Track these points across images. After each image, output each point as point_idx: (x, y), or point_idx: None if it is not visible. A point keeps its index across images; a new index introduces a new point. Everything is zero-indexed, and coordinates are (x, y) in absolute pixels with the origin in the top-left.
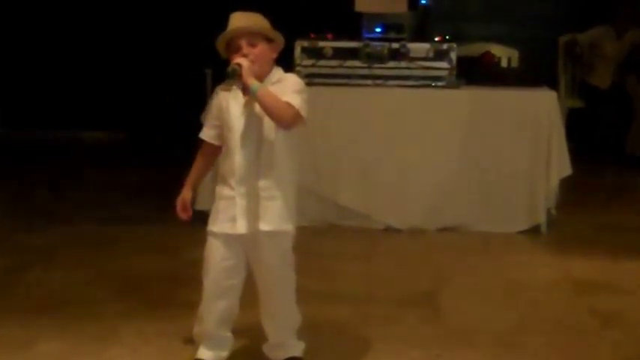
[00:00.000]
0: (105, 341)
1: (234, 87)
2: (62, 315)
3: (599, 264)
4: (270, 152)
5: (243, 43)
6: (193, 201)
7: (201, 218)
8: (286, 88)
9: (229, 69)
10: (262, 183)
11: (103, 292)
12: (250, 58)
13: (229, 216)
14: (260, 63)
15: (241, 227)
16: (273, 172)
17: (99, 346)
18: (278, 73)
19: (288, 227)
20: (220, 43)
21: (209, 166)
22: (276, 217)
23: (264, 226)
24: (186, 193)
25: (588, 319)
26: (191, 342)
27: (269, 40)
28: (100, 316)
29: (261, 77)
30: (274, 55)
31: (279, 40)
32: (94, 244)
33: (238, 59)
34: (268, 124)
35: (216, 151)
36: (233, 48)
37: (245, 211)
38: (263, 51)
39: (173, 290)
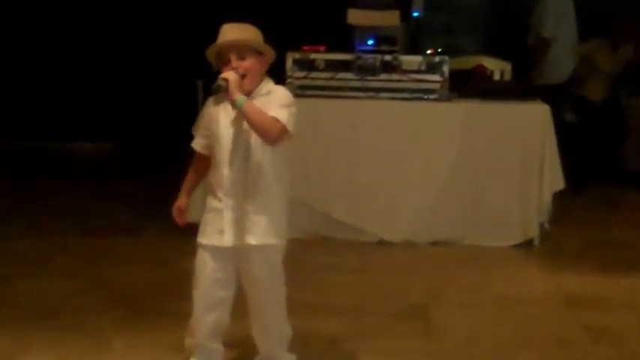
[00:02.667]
0: (95, 352)
1: (226, 98)
2: (52, 325)
3: (592, 279)
4: (259, 166)
5: (233, 56)
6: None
7: (191, 229)
8: (274, 101)
9: (215, 84)
10: (250, 196)
11: (93, 302)
12: (239, 71)
13: (217, 228)
14: (249, 76)
15: (229, 240)
16: (261, 185)
17: (89, 357)
18: (268, 85)
19: (276, 241)
20: (210, 55)
21: (203, 174)
22: (263, 231)
23: (251, 240)
24: (181, 201)
25: (580, 334)
26: (182, 353)
27: (259, 52)
28: (91, 326)
29: (250, 89)
30: (264, 68)
31: (270, 53)
32: (84, 254)
33: (225, 74)
34: (256, 138)
35: (209, 160)
36: (223, 60)
37: (233, 224)
38: (252, 64)
39: (163, 301)
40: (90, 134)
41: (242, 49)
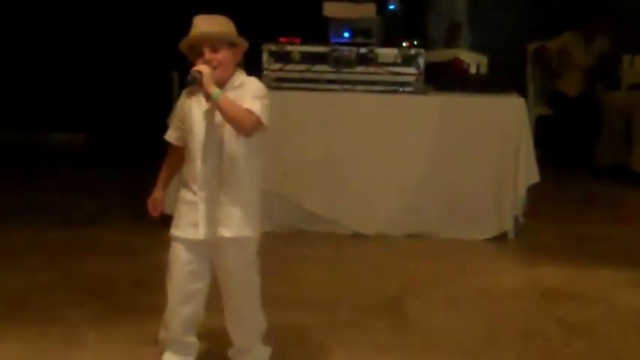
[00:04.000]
0: (69, 345)
1: (199, 90)
2: (25, 318)
3: (566, 272)
4: (233, 158)
5: (206, 49)
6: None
7: (165, 221)
8: (247, 93)
9: (189, 77)
10: (224, 189)
11: (67, 295)
12: (212, 64)
13: (191, 221)
14: (222, 68)
15: (203, 233)
16: (235, 177)
17: (63, 349)
18: (240, 77)
19: (251, 233)
20: (183, 47)
21: (178, 167)
22: (238, 224)
23: (225, 233)
24: (156, 193)
25: (554, 327)
26: (156, 346)
27: (232, 44)
28: (64, 319)
29: (223, 81)
30: (237, 60)
31: (243, 44)
32: (58, 246)
33: (199, 66)
34: (230, 130)
35: (183, 152)
36: (196, 52)
37: (207, 216)
38: (225, 56)
39: (138, 294)
40: (64, 125)
41: (215, 42)
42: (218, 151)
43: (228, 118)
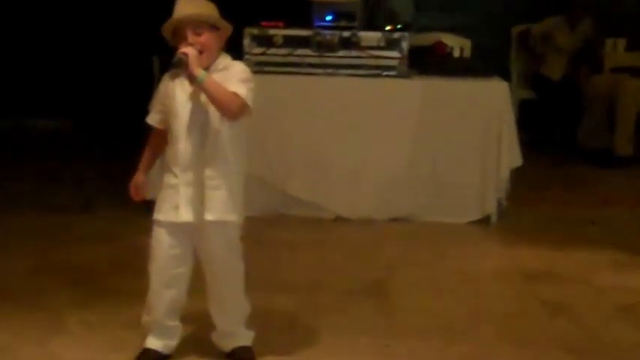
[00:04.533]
0: (50, 331)
1: (181, 73)
2: (6, 305)
3: (549, 254)
4: (216, 141)
5: (189, 32)
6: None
7: (148, 207)
8: (232, 76)
9: (175, 59)
10: (207, 172)
11: (47, 281)
12: (196, 47)
13: (173, 204)
14: (206, 52)
15: (185, 216)
16: (219, 161)
17: (44, 335)
18: (224, 60)
19: (233, 217)
20: (166, 31)
21: (160, 150)
22: (220, 207)
23: (208, 216)
24: (138, 176)
25: (537, 308)
26: (139, 330)
27: (216, 28)
28: (45, 305)
29: (207, 65)
30: (221, 43)
31: (226, 28)
32: (38, 232)
33: (184, 49)
34: (214, 113)
35: (165, 135)
36: (179, 36)
37: (189, 199)
38: (209, 40)
39: (119, 279)
40: (44, 111)
41: (199, 25)
42: (202, 134)
43: (214, 100)
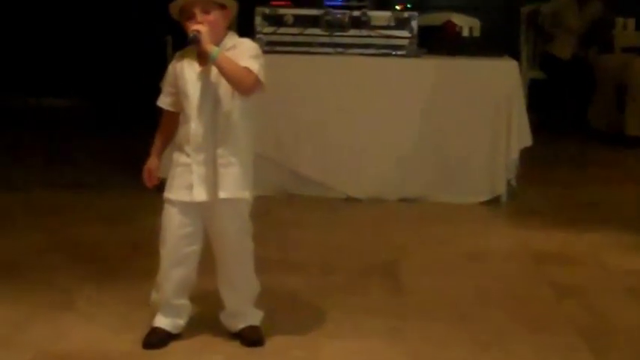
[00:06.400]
0: (60, 309)
1: (190, 53)
2: (16, 282)
3: (558, 236)
4: (227, 119)
5: (197, 10)
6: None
7: (159, 186)
8: (242, 53)
9: (191, 35)
10: (219, 150)
11: (57, 259)
12: (204, 25)
13: (186, 183)
14: (214, 30)
15: (199, 195)
16: (230, 139)
17: (54, 313)
18: (232, 38)
19: (245, 194)
20: (173, 10)
21: (172, 133)
22: (233, 185)
23: (221, 194)
24: (151, 162)
25: (546, 290)
26: (148, 309)
27: (223, 6)
28: (55, 283)
29: (215, 44)
30: (228, 22)
31: (233, 6)
32: (49, 210)
33: (197, 26)
34: (224, 91)
35: (176, 118)
36: (187, 15)
37: (202, 178)
38: (217, 18)
39: (129, 257)
40: (57, 90)
41: (206, 3)
42: (213, 112)
43: (228, 76)
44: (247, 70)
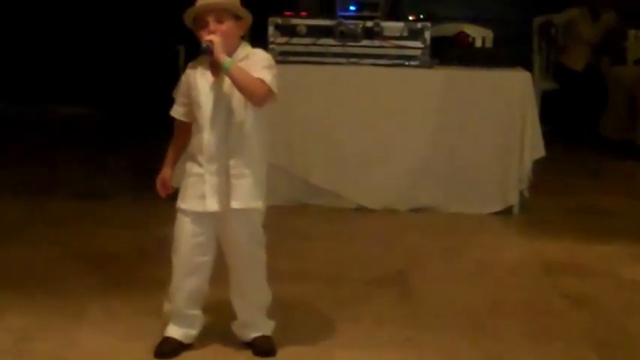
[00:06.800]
0: (72, 317)
1: (203, 64)
2: (29, 291)
3: (570, 246)
4: (240, 130)
5: (211, 19)
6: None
7: (171, 195)
8: (255, 63)
9: (204, 46)
10: (232, 161)
11: (70, 268)
12: (217, 34)
13: (199, 193)
14: (227, 40)
15: (211, 205)
16: (243, 149)
17: (66, 322)
18: (246, 49)
19: (258, 205)
20: (187, 19)
21: (185, 143)
22: (246, 195)
23: (234, 204)
24: (165, 172)
25: (558, 301)
26: (160, 319)
27: (237, 17)
28: (68, 292)
29: (228, 54)
30: (241, 32)
31: (247, 17)
32: (62, 219)
33: (210, 36)
34: (237, 101)
35: (190, 128)
36: (200, 24)
37: (214, 188)
38: (230, 28)
39: (142, 267)
40: (69, 99)
41: (220, 13)
42: (225, 123)
43: (241, 87)
44: (260, 80)
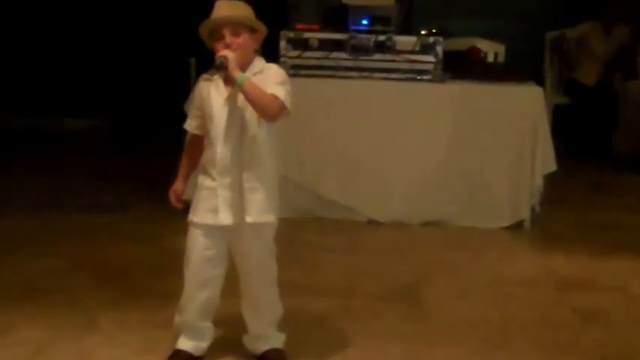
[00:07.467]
0: (84, 330)
1: (216, 77)
2: (40, 303)
3: (582, 261)
4: (253, 144)
5: (227, 32)
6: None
7: (183, 208)
8: (269, 79)
9: (218, 61)
10: (245, 175)
11: (82, 280)
12: (233, 47)
13: (211, 207)
14: (242, 53)
15: (224, 219)
16: (256, 163)
17: (78, 334)
18: (260, 63)
19: (271, 218)
20: (203, 31)
21: (198, 156)
22: (259, 209)
23: (247, 218)
24: (177, 185)
25: (570, 316)
26: (171, 331)
27: (252, 30)
28: (80, 304)
29: (243, 67)
30: (257, 46)
31: (262, 30)
32: (73, 231)
33: (224, 52)
34: (250, 115)
35: (203, 141)
36: (216, 37)
37: (227, 202)
38: (246, 41)
39: (153, 279)
40: (81, 111)
41: (236, 26)
42: (239, 137)
43: (254, 103)
44: (273, 96)
